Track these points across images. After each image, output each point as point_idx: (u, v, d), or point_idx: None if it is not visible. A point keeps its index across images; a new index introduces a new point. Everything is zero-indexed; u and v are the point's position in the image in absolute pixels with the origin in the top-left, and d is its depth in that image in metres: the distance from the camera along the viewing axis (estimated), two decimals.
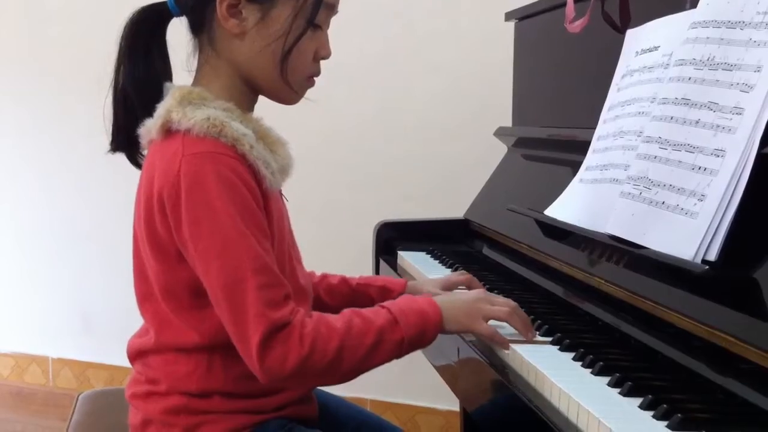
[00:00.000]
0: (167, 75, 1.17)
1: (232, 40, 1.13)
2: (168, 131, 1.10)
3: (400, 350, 1.10)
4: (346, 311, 1.11)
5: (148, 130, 1.12)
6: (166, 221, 1.08)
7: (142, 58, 1.16)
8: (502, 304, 1.18)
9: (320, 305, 1.34)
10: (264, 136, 1.13)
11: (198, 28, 1.16)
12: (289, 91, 1.17)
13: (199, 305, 1.10)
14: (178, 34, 1.19)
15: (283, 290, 1.06)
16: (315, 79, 1.20)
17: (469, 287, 1.41)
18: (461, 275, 1.43)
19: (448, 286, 1.40)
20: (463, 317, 1.15)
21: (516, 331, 1.17)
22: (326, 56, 1.18)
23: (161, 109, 1.11)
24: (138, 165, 1.20)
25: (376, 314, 1.11)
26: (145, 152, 1.18)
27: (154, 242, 1.11)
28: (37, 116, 3.11)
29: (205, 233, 1.05)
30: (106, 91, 1.18)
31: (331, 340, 1.05)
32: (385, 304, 1.13)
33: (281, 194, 1.22)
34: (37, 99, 3.09)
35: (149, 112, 1.12)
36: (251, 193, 1.08)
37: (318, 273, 1.41)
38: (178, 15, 1.17)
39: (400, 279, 1.43)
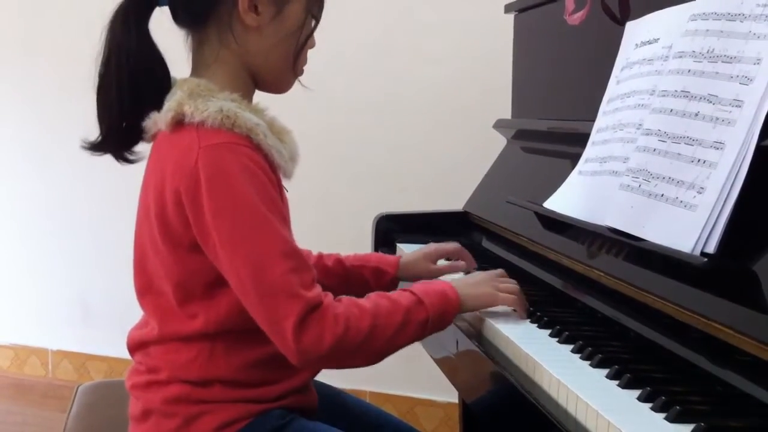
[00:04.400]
0: (156, 64, 1.16)
1: (248, 33, 1.14)
2: (179, 123, 1.10)
3: (424, 330, 1.13)
4: (372, 294, 1.14)
5: (155, 122, 1.12)
6: (182, 214, 1.08)
7: (138, 33, 1.14)
8: (510, 289, 1.25)
9: None
10: (270, 125, 1.14)
11: (202, 20, 1.15)
12: (292, 81, 1.21)
13: (209, 295, 1.11)
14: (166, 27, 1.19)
15: (311, 273, 1.08)
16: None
17: (458, 257, 1.49)
18: (451, 246, 1.51)
19: (438, 256, 1.48)
20: (481, 293, 1.22)
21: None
22: (313, 46, 1.22)
23: (171, 101, 1.11)
24: (128, 161, 1.19)
25: (400, 295, 1.14)
26: (137, 149, 1.18)
27: (167, 235, 1.11)
28: (36, 106, 3.10)
29: (230, 221, 1.05)
30: (98, 69, 1.15)
31: (363, 319, 1.08)
32: (407, 287, 1.17)
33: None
34: (35, 88, 3.09)
35: (157, 100, 1.12)
36: (270, 182, 1.09)
37: (314, 253, 1.43)
38: (164, 3, 1.16)
39: (393, 257, 1.47)
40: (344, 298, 1.11)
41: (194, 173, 1.06)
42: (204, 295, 1.12)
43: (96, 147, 1.18)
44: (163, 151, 1.12)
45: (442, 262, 1.50)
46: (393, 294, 1.15)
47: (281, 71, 1.19)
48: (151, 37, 1.16)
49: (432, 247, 1.50)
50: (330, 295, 1.08)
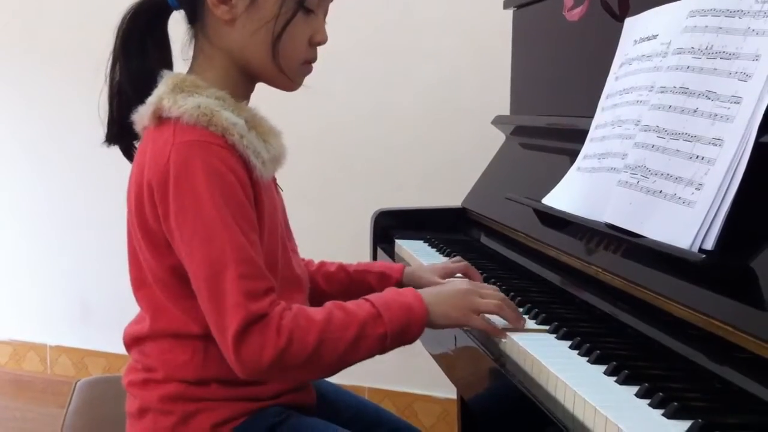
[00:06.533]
0: (168, 68, 1.17)
1: (223, 27, 1.13)
2: (159, 118, 1.10)
3: (383, 345, 1.08)
4: (329, 304, 1.09)
5: (141, 116, 1.12)
6: (155, 210, 1.08)
7: (137, 53, 1.15)
8: (491, 295, 1.16)
9: (318, 292, 1.34)
10: (257, 125, 1.13)
11: (192, 17, 1.16)
12: (284, 78, 1.16)
13: (190, 293, 1.09)
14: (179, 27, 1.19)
15: (265, 284, 1.05)
16: (312, 65, 1.19)
17: (466, 275, 1.41)
18: (459, 263, 1.43)
19: (446, 274, 1.40)
20: (453, 311, 1.13)
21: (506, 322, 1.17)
22: (322, 41, 1.17)
23: (154, 96, 1.11)
24: (132, 159, 1.20)
25: (359, 307, 1.09)
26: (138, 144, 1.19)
27: (144, 230, 1.11)
28: (34, 103, 3.10)
29: (190, 222, 1.04)
30: (103, 77, 1.17)
31: (310, 332, 1.04)
32: (369, 297, 1.11)
33: (276, 185, 1.21)
34: (34, 86, 3.09)
35: (143, 98, 1.12)
36: (240, 184, 1.07)
37: (316, 261, 1.41)
38: (178, 8, 1.16)
39: (398, 264, 1.43)
40: (295, 307, 1.06)
41: (165, 169, 1.06)
42: (185, 293, 1.10)
43: (105, 138, 1.19)
44: (146, 145, 1.12)
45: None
46: (351, 305, 1.09)
47: (266, 66, 1.14)
48: (165, 42, 1.17)
49: (440, 264, 1.45)
50: (282, 305, 1.05)
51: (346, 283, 1.38)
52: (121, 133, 1.18)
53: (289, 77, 1.16)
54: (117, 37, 1.16)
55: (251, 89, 1.20)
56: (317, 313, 1.07)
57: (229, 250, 1.04)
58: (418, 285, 1.38)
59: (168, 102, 1.08)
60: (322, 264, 1.40)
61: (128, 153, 1.21)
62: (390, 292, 1.14)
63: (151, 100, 1.11)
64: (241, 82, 1.17)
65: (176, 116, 1.07)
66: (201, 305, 1.06)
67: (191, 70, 1.17)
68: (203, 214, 1.04)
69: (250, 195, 1.09)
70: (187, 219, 1.05)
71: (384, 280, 1.38)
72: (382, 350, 1.09)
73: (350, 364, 1.09)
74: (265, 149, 1.11)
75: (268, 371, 1.04)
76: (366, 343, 1.07)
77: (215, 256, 1.03)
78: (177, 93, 1.09)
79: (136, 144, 1.19)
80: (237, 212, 1.06)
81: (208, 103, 1.08)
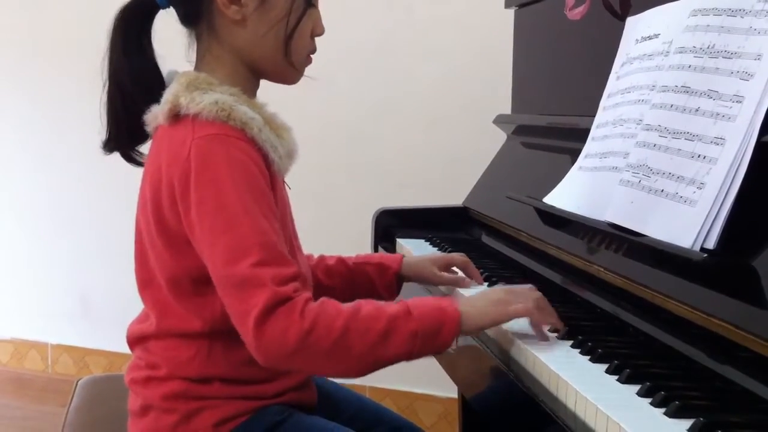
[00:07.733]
0: (156, 65, 1.17)
1: (234, 27, 1.13)
2: (176, 116, 1.10)
3: (413, 344, 1.03)
4: (359, 300, 1.06)
5: (155, 115, 1.13)
6: (175, 207, 1.07)
7: (136, 50, 1.15)
8: (526, 292, 1.13)
9: (318, 286, 1.35)
10: (269, 121, 1.14)
11: (194, 17, 1.16)
12: (293, 72, 1.18)
13: (201, 292, 1.10)
14: (169, 26, 1.19)
15: (290, 270, 1.04)
16: (312, 56, 1.20)
17: (465, 272, 1.42)
18: (459, 256, 1.44)
19: (444, 264, 1.41)
20: (490, 308, 1.09)
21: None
22: (321, 33, 1.19)
23: (168, 94, 1.11)
24: (136, 162, 1.20)
25: (388, 304, 1.06)
26: (143, 149, 1.18)
27: (161, 228, 1.11)
28: (36, 101, 3.10)
29: (212, 211, 1.04)
30: (105, 76, 1.17)
31: (337, 319, 1.01)
32: (400, 299, 1.09)
33: (284, 182, 1.22)
34: (36, 84, 3.09)
35: (152, 101, 1.13)
36: (262, 175, 1.08)
37: (315, 255, 1.42)
38: (165, 7, 1.16)
39: (397, 255, 1.43)
40: (322, 298, 1.04)
41: (186, 165, 1.06)
42: (196, 292, 1.11)
43: (104, 145, 1.19)
44: (161, 143, 1.12)
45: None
46: (381, 302, 1.06)
47: (277, 62, 1.16)
48: (150, 45, 1.17)
49: (440, 254, 1.46)
50: (307, 294, 1.03)
51: (346, 276, 1.39)
52: (128, 134, 1.17)
53: (298, 71, 1.19)
54: (112, 39, 1.15)
55: (257, 86, 1.21)
56: (346, 304, 1.04)
57: (252, 236, 1.03)
58: (417, 275, 1.41)
59: (185, 99, 1.09)
60: (322, 258, 1.41)
61: (130, 157, 1.21)
62: (422, 297, 1.10)
63: (167, 98, 1.11)
64: (249, 80, 1.18)
65: (194, 113, 1.08)
66: (222, 297, 1.04)
67: (198, 70, 1.17)
68: (225, 203, 1.04)
69: (269, 186, 1.10)
70: (209, 209, 1.04)
71: (383, 271, 1.39)
72: (411, 351, 1.04)
73: (381, 363, 1.04)
74: (280, 144, 1.12)
75: (292, 357, 1.00)
76: (396, 338, 1.02)
77: (237, 242, 1.03)
78: (192, 90, 1.10)
79: (138, 148, 1.19)
80: (260, 200, 1.06)
81: (226, 99, 1.09)
